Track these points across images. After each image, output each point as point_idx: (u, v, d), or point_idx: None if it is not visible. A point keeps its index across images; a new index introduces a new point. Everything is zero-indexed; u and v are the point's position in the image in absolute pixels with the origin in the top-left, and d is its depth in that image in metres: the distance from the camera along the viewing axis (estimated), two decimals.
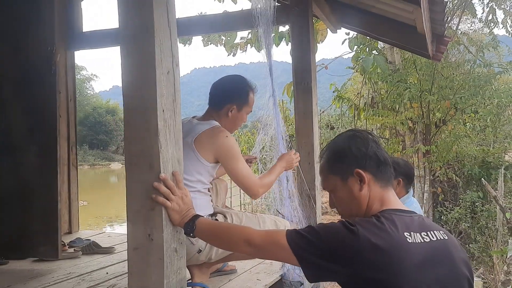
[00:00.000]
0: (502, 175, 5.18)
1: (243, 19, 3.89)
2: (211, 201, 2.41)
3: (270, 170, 2.41)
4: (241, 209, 8.18)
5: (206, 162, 2.21)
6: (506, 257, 4.00)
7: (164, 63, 1.57)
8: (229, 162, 2.22)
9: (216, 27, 4.39)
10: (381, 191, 1.39)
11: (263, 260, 3.04)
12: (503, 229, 5.67)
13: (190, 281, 2.32)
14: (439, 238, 1.32)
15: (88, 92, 55.62)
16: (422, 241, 1.27)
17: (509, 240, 4.03)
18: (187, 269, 1.94)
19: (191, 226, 1.57)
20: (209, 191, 2.37)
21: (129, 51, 1.57)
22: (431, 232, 1.32)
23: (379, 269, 1.20)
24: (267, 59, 2.71)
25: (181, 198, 1.59)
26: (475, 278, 2.15)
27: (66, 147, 4.14)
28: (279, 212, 2.78)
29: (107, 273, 2.89)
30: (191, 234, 1.58)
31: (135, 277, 1.58)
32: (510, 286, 3.94)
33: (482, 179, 5.62)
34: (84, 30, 4.36)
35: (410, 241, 1.25)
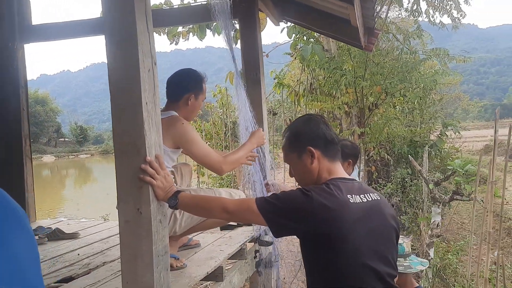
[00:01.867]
0: (427, 152, 5.82)
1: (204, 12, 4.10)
2: (175, 182, 2.70)
3: (239, 148, 2.70)
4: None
5: (166, 148, 2.48)
6: (430, 222, 4.60)
7: (145, 63, 1.84)
8: (188, 146, 2.50)
9: (174, 20, 4.62)
10: (329, 164, 1.77)
11: (223, 234, 3.39)
12: (428, 200, 6.36)
13: None
14: (373, 199, 1.72)
15: None
16: (361, 201, 1.67)
17: (432, 208, 4.63)
18: None
19: (174, 200, 1.88)
20: (172, 173, 2.66)
21: (116, 54, 1.82)
22: (368, 194, 1.72)
23: (329, 223, 1.58)
24: (230, 51, 3.01)
25: (164, 177, 1.88)
26: (405, 239, 2.59)
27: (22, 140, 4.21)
28: (270, 185, 3.02)
29: (78, 254, 3.10)
30: (175, 207, 1.89)
31: (127, 246, 1.85)
32: (433, 247, 4.55)
33: (409, 155, 6.26)
34: (33, 23, 4.41)
35: (352, 201, 1.64)
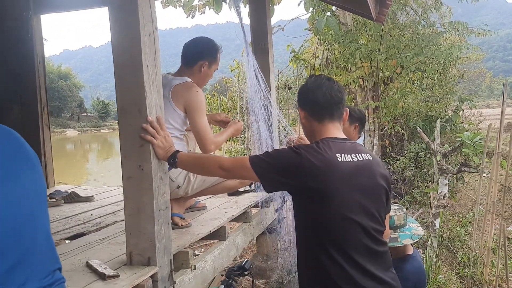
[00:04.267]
0: (439, 126, 5.81)
1: None
2: (185, 146, 2.83)
3: (222, 132, 2.81)
4: None
5: (180, 112, 2.60)
6: (437, 193, 4.64)
7: (146, 27, 1.94)
8: (193, 114, 2.58)
9: None
10: (319, 125, 1.85)
11: (230, 199, 3.52)
12: (437, 173, 6.37)
13: None
14: (365, 159, 1.80)
15: None
16: (351, 160, 1.75)
17: (439, 179, 4.67)
18: None
19: (173, 158, 1.99)
20: (185, 137, 2.78)
21: (117, 18, 1.92)
22: (359, 154, 1.80)
23: (316, 179, 1.68)
24: (239, 22, 3.08)
25: (164, 137, 2.00)
26: (397, 212, 2.62)
27: (39, 108, 4.38)
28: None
29: (91, 214, 3.28)
30: (174, 166, 2.01)
31: (130, 200, 1.99)
32: (439, 218, 4.61)
33: (417, 127, 6.25)
34: None
35: (340, 160, 1.72)
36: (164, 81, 2.53)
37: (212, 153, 2.71)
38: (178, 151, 2.02)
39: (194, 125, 2.57)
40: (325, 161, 1.69)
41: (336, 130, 1.87)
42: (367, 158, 1.80)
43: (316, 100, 1.83)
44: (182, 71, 2.73)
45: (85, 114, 64.61)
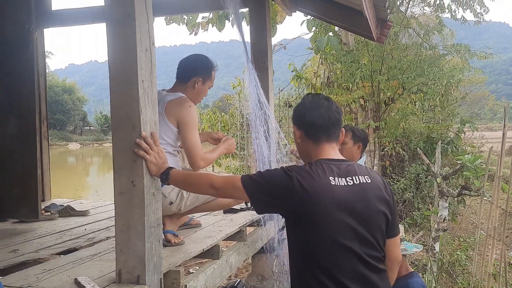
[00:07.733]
0: (440, 148, 5.78)
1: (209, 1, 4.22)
2: (179, 162, 2.80)
3: (214, 149, 2.78)
4: None
5: (173, 127, 2.58)
6: (437, 216, 4.59)
7: (143, 42, 1.93)
8: (185, 128, 2.57)
9: (184, 8, 4.70)
10: (314, 146, 1.82)
11: (225, 217, 3.48)
12: (438, 196, 6.31)
13: (162, 229, 2.70)
14: (361, 182, 1.73)
15: None
16: (346, 184, 1.70)
17: (439, 202, 4.62)
18: None
19: (166, 175, 1.96)
20: (178, 153, 2.75)
21: (115, 33, 1.91)
22: (356, 177, 1.74)
23: (306, 203, 1.64)
24: (241, 38, 3.09)
25: (158, 153, 1.97)
26: (401, 226, 2.63)
27: (37, 120, 4.37)
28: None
29: (85, 229, 3.24)
30: (166, 182, 1.98)
31: (121, 216, 1.95)
32: (439, 241, 4.54)
33: (418, 148, 6.21)
34: (53, 9, 4.56)
35: (333, 184, 1.67)
36: (158, 97, 2.52)
37: (204, 169, 2.67)
38: (171, 168, 2.00)
39: (185, 140, 2.55)
40: (316, 185, 1.65)
41: (332, 151, 1.82)
42: (364, 181, 1.74)
43: (313, 121, 1.79)
44: (176, 87, 2.72)
45: (88, 127, 64.80)
